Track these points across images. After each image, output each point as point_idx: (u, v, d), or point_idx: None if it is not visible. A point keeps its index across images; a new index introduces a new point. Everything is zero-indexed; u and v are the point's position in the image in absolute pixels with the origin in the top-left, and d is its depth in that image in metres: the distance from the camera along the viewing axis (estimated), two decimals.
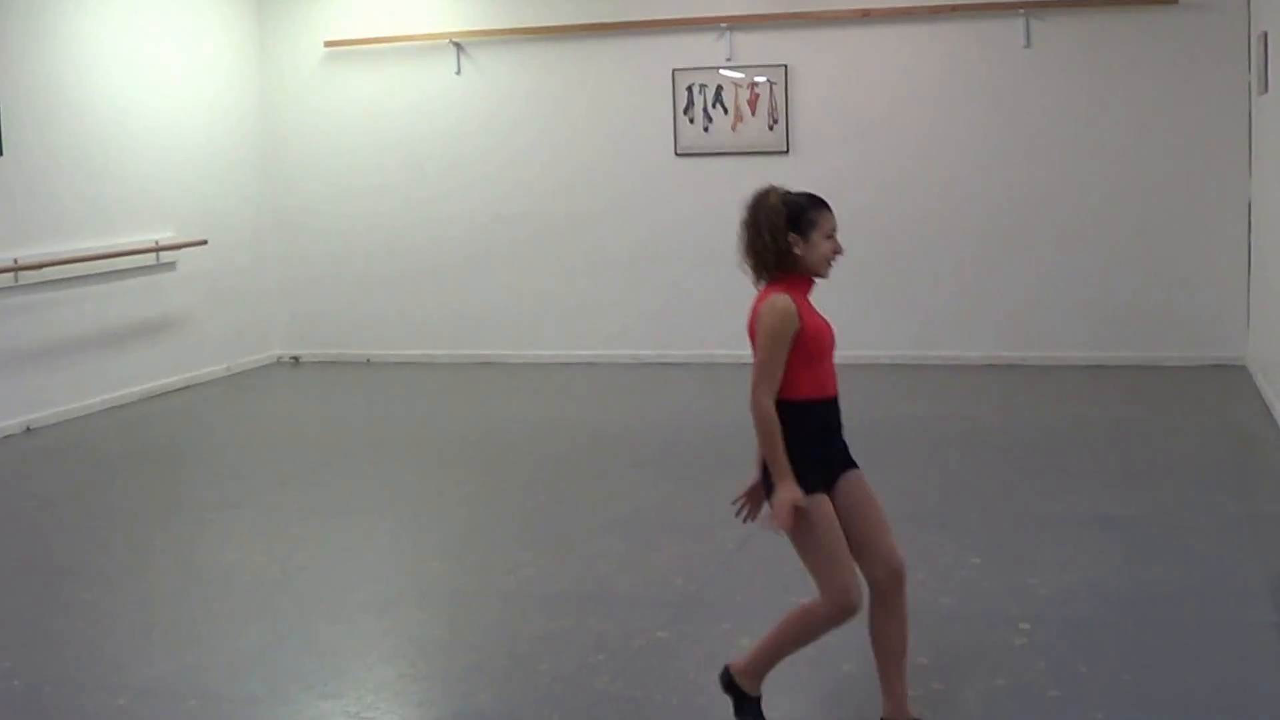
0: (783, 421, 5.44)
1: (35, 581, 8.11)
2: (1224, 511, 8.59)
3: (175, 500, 9.95)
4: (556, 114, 14.37)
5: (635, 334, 14.36)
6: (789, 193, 5.71)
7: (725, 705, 5.94)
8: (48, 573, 8.25)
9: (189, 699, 6.28)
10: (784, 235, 5.55)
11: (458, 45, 14.49)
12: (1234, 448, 10.27)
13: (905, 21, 13.56)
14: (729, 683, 5.73)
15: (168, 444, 11.76)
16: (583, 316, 14.35)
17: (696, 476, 9.86)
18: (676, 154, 14.13)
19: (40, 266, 12.10)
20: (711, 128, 14.00)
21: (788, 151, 13.86)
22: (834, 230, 5.66)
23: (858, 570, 5.47)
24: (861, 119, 13.73)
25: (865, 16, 13.59)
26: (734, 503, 5.54)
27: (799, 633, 5.58)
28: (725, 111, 13.96)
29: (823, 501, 5.42)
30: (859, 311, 13.79)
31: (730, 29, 13.87)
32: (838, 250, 5.68)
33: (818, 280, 5.64)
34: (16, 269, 11.87)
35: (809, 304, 5.60)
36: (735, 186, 14.08)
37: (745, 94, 13.88)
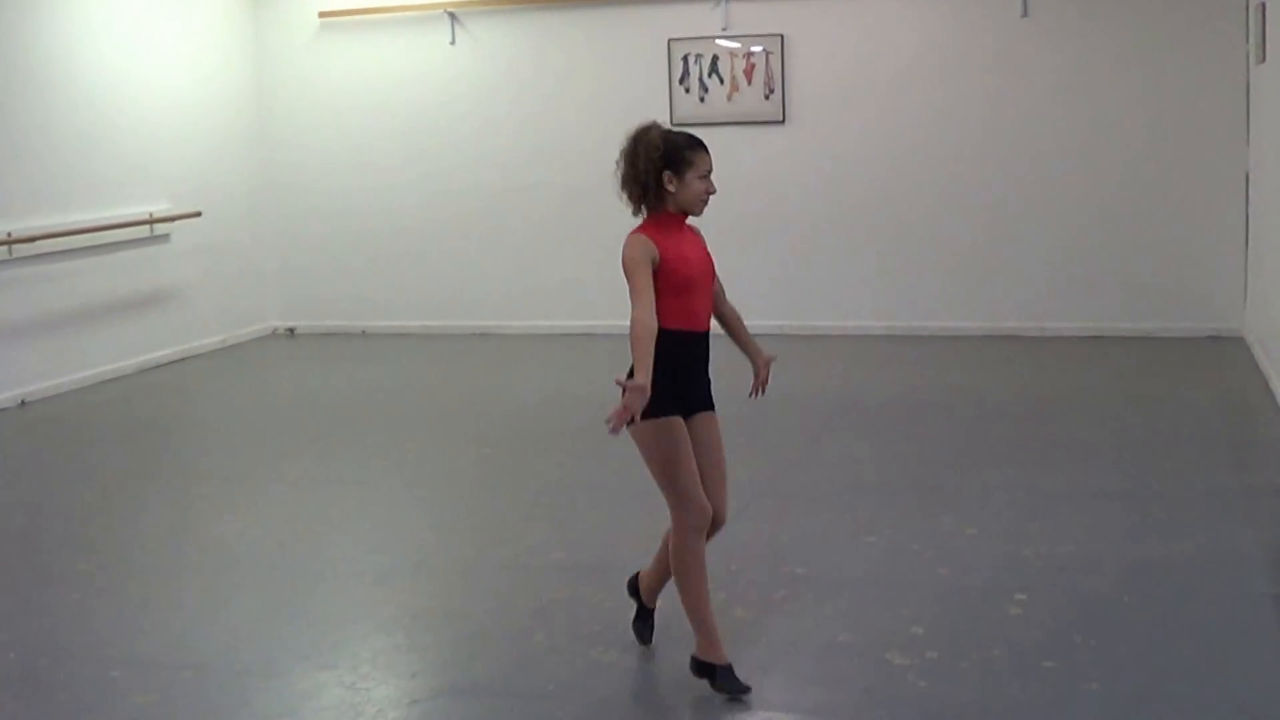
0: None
1: (30, 554, 8.10)
2: (1221, 483, 8.59)
3: (170, 472, 9.93)
4: (551, 84, 14.32)
5: (625, 304, 14.31)
6: (669, 130, 5.90)
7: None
8: (42, 545, 8.24)
9: (183, 670, 6.27)
10: (659, 171, 5.75)
11: (452, 15, 14.44)
12: (1231, 419, 10.26)
13: None
14: (698, 666, 5.84)
15: (163, 416, 11.74)
16: (579, 287, 14.31)
17: None
18: (672, 124, 14.07)
19: (33, 240, 12.05)
20: (707, 98, 13.96)
21: (784, 121, 13.83)
22: (708, 172, 5.85)
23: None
24: (857, 89, 13.69)
25: None
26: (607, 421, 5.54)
27: (684, 568, 5.83)
28: (721, 81, 13.92)
29: (676, 423, 5.74)
30: (855, 282, 13.80)
31: None
32: (710, 190, 5.88)
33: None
34: (10, 242, 11.84)
35: (682, 237, 5.88)
36: (731, 157, 14.21)
37: (741, 64, 13.85)
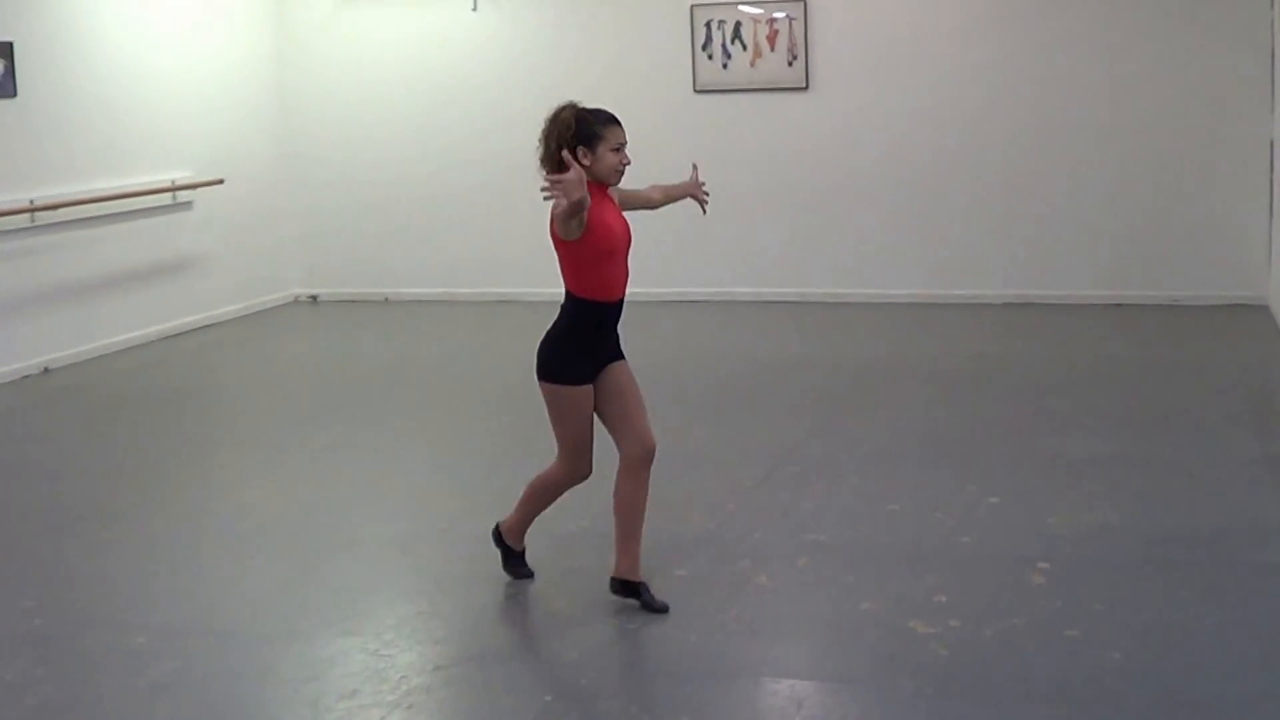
0: (567, 314, 6.37)
1: (53, 521, 8.13)
2: (1243, 451, 8.57)
3: (193, 439, 9.97)
4: (574, 50, 14.27)
5: (653, 271, 14.31)
6: (583, 109, 6.33)
7: (743, 643, 5.98)
8: (66, 513, 8.27)
9: (206, 637, 6.31)
10: (573, 148, 6.14)
11: None
12: (1254, 387, 10.23)
13: None
14: (499, 538, 6.81)
15: (185, 384, 11.77)
16: None
17: (715, 414, 9.86)
18: (695, 91, 14.07)
19: (56, 207, 12.08)
20: (730, 64, 13.92)
21: (807, 88, 13.78)
22: (621, 145, 6.31)
23: (593, 450, 6.47)
24: (880, 54, 13.64)
25: None
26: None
27: (542, 494, 6.67)
28: (744, 48, 13.88)
29: (585, 393, 6.32)
30: (878, 250, 13.77)
31: None
32: (624, 162, 6.32)
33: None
34: (33, 209, 11.86)
35: (604, 206, 6.25)
36: (754, 124, 14.20)
37: (764, 30, 13.80)
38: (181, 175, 13.62)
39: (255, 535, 7.72)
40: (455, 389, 11.10)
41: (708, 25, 13.92)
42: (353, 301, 15.12)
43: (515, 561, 6.81)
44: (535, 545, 7.11)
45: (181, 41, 13.71)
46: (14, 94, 11.76)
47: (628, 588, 6.38)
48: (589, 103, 6.49)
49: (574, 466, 6.51)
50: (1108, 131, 13.17)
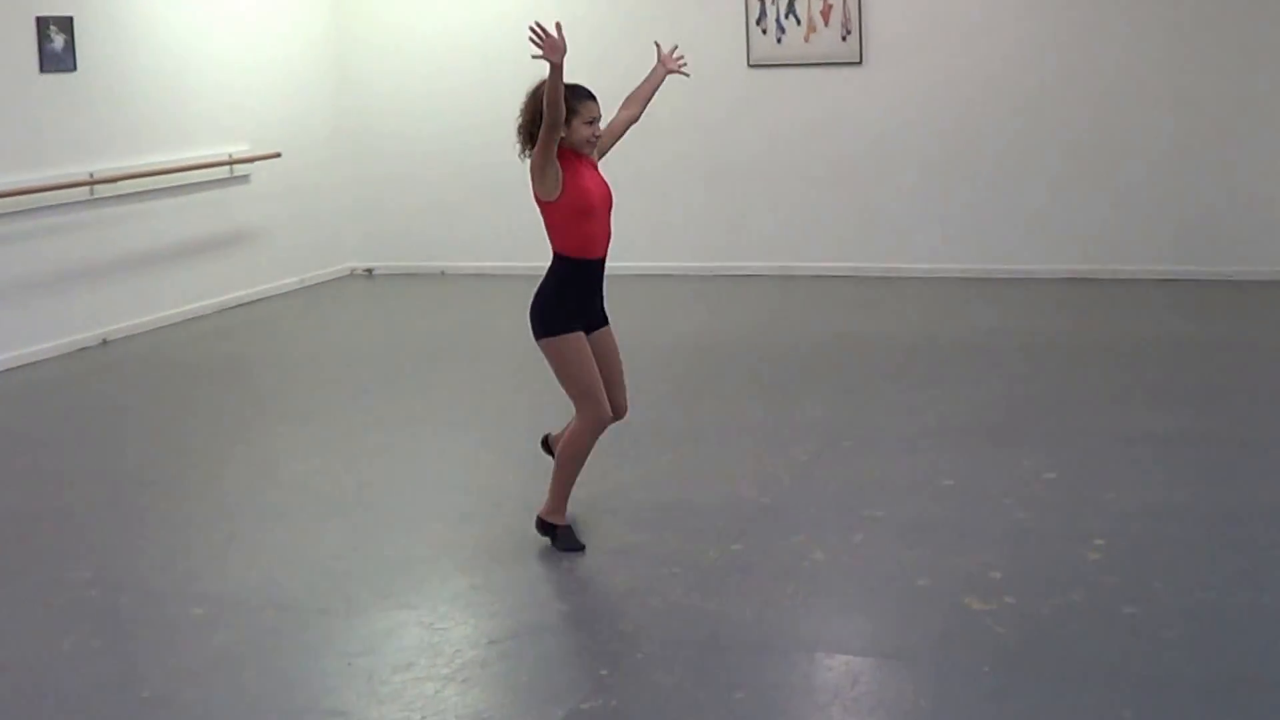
0: (554, 273, 6.81)
1: (112, 492, 8.19)
2: None
3: (250, 412, 10.01)
4: (627, 23, 14.19)
5: (707, 245, 14.31)
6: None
7: (798, 618, 5.99)
8: (124, 483, 8.33)
9: (265, 609, 6.34)
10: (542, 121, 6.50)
11: None
12: None
13: None
14: (543, 526, 6.94)
15: (242, 356, 11.82)
16: (654, 228, 14.27)
17: (771, 389, 9.85)
18: (749, 65, 14.04)
19: (115, 180, 12.15)
20: (784, 39, 13.87)
21: (860, 63, 13.73)
22: (594, 119, 6.79)
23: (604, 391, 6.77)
24: (935, 30, 13.57)
25: None
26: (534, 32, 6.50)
27: (574, 455, 6.84)
28: (798, 22, 13.83)
29: (580, 339, 6.72)
30: (930, 224, 13.72)
31: None
32: (596, 134, 6.83)
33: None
34: (92, 183, 11.93)
35: (580, 169, 6.77)
36: (808, 99, 14.15)
37: (818, 4, 13.75)
38: (239, 149, 13.67)
39: (312, 507, 7.76)
40: (510, 362, 11.10)
41: (762, 0, 13.88)
42: (408, 275, 15.16)
43: (564, 538, 6.91)
44: (590, 521, 7.14)
45: (240, 16, 13.76)
46: (74, 68, 11.82)
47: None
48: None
49: (595, 413, 6.74)
50: (1161, 106, 13.07)
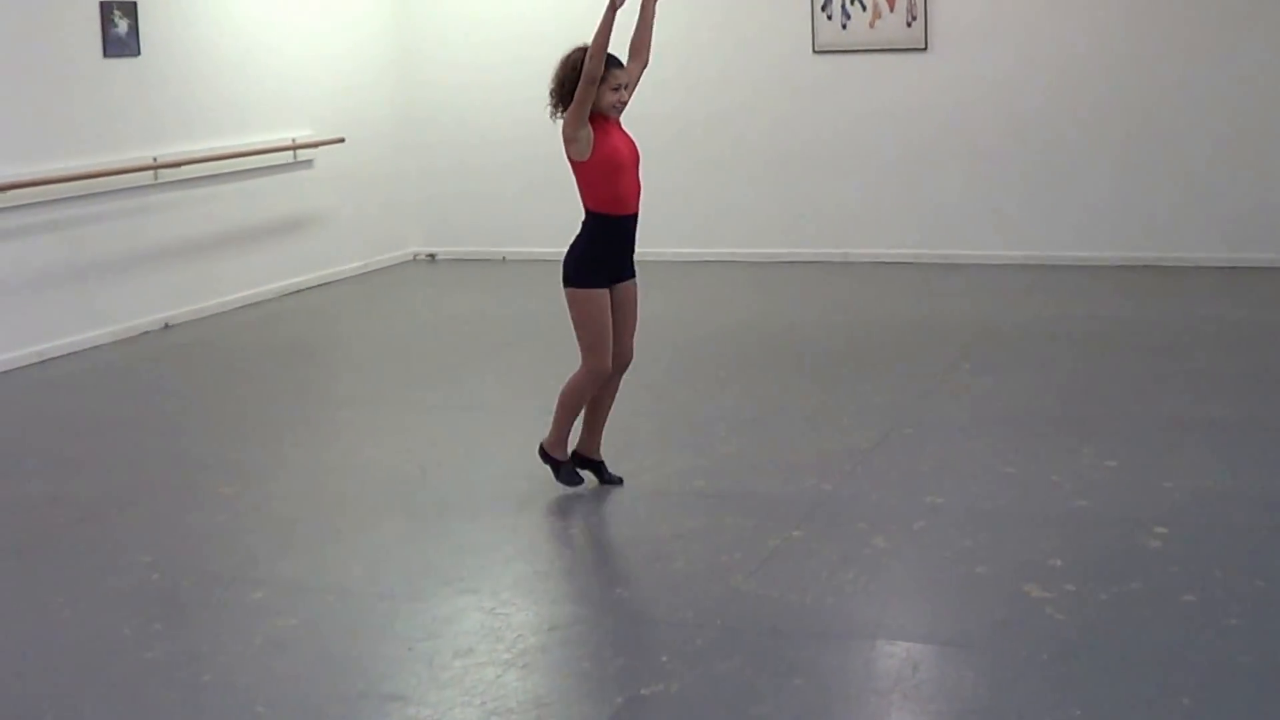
0: (587, 229, 7.23)
1: (174, 476, 8.24)
2: None
3: (312, 396, 10.07)
4: (692, 10, 14.19)
5: (771, 232, 14.29)
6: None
7: (859, 605, 5.99)
8: (186, 467, 8.38)
9: (326, 594, 6.38)
10: (574, 85, 7.03)
11: None
12: None
13: None
14: (545, 455, 7.51)
15: (304, 341, 11.89)
16: (717, 215, 14.27)
17: (832, 376, 9.84)
18: (814, 51, 14.00)
19: (179, 165, 12.23)
20: (849, 25, 13.83)
21: (926, 49, 13.68)
22: (620, 85, 7.11)
23: (611, 350, 7.25)
24: (1000, 17, 13.50)
25: None
26: None
27: (573, 399, 7.36)
28: (864, 8, 13.78)
29: (603, 295, 7.17)
30: (993, 212, 13.66)
31: None
32: (622, 100, 7.15)
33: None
34: (156, 167, 12.01)
35: (608, 130, 7.16)
36: (872, 85, 14.11)
37: None
38: (302, 134, 13.74)
39: (374, 492, 7.80)
40: (571, 348, 11.09)
41: None
42: (470, 260, 15.20)
43: (566, 472, 7.49)
44: (650, 507, 7.15)
45: (304, 2, 13.80)
46: (138, 53, 11.90)
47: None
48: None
49: (597, 365, 7.23)
50: (1226, 93, 12.98)
